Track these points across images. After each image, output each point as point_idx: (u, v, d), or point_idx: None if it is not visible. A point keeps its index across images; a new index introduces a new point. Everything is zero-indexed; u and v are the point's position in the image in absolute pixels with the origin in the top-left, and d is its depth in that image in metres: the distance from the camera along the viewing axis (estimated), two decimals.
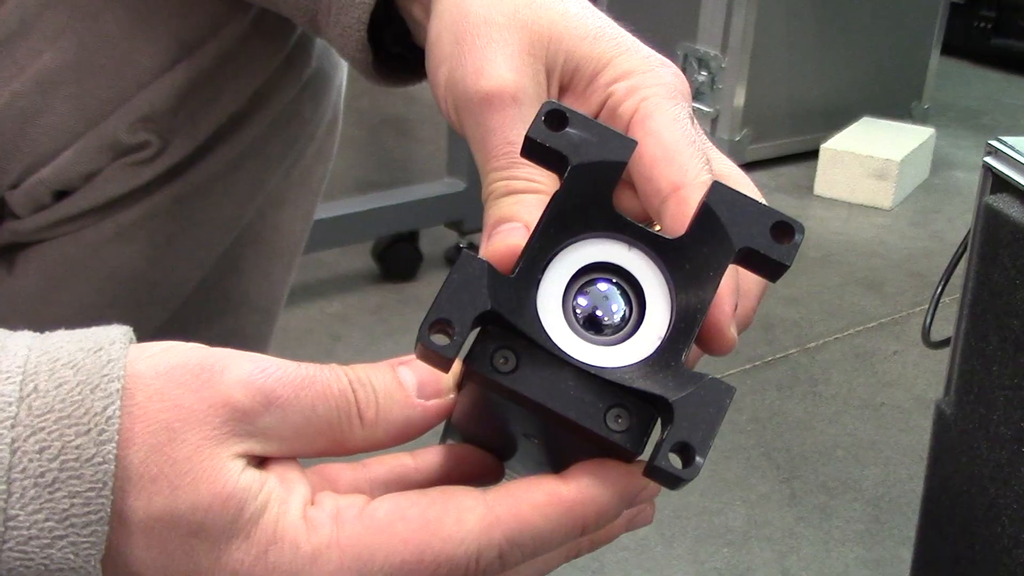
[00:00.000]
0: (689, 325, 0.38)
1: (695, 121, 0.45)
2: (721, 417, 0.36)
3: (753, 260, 0.38)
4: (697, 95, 2.84)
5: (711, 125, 2.83)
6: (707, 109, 2.84)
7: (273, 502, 0.37)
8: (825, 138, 2.85)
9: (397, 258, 2.14)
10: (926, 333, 1.12)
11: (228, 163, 0.68)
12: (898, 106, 3.15)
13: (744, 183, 0.46)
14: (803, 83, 2.96)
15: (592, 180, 0.38)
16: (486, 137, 0.45)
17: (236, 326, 0.75)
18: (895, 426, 1.82)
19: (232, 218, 0.71)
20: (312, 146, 0.73)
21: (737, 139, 2.83)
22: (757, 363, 1.97)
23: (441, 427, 0.45)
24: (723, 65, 2.81)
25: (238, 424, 0.37)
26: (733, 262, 0.38)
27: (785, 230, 0.38)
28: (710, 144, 0.46)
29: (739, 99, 2.83)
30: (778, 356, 2.00)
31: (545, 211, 0.39)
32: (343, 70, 0.74)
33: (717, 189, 0.39)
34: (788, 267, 0.38)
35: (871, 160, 2.76)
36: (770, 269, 0.39)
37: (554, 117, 0.38)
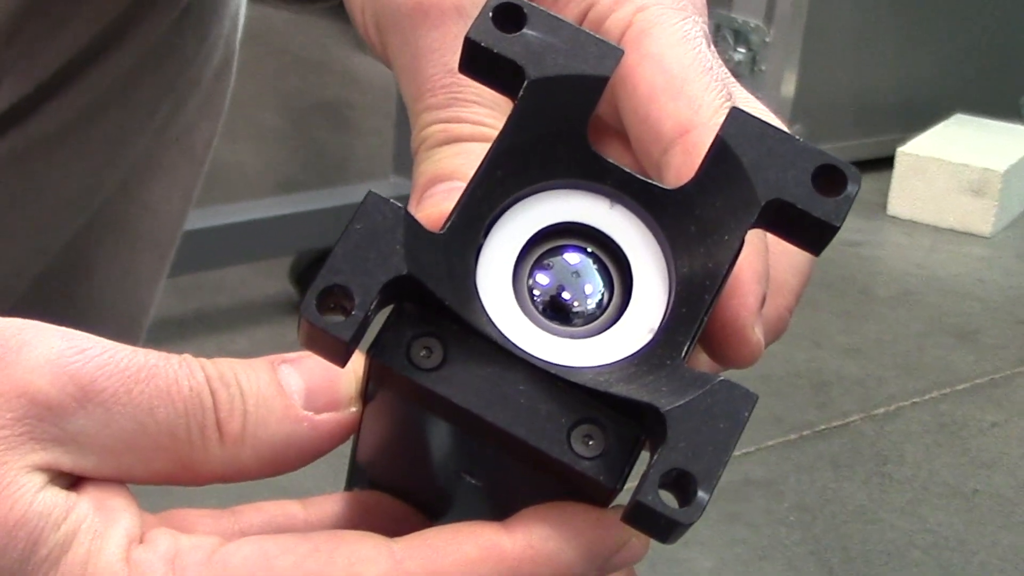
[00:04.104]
0: (694, 310, 0.37)
1: (711, 43, 0.45)
2: (736, 436, 0.35)
3: (787, 220, 0.37)
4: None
5: None
6: None
7: (83, 535, 0.36)
8: (903, 141, 2.88)
9: None
10: None
11: (79, 113, 0.68)
12: (1001, 101, 3.18)
13: None
14: (875, 67, 2.99)
15: (559, 103, 0.37)
16: (418, 63, 0.44)
17: None
18: (993, 521, 1.83)
19: (84, 189, 0.70)
20: (195, 95, 0.73)
21: None
22: (806, 432, 1.97)
23: (361, 471, 0.44)
24: (767, 39, 2.83)
25: (39, 423, 0.36)
26: (758, 223, 0.38)
27: (833, 177, 0.37)
28: (731, 77, 0.45)
29: (788, 86, 2.85)
30: (835, 424, 2.00)
31: (491, 146, 0.38)
32: None
33: (737, 119, 0.38)
34: (836, 229, 0.37)
35: (965, 170, 2.78)
36: (811, 233, 0.38)
37: (506, 12, 0.37)
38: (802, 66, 2.86)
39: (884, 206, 2.85)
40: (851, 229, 2.73)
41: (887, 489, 1.87)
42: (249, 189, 2.45)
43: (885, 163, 2.89)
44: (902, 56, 3.02)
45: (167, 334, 1.93)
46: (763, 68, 2.86)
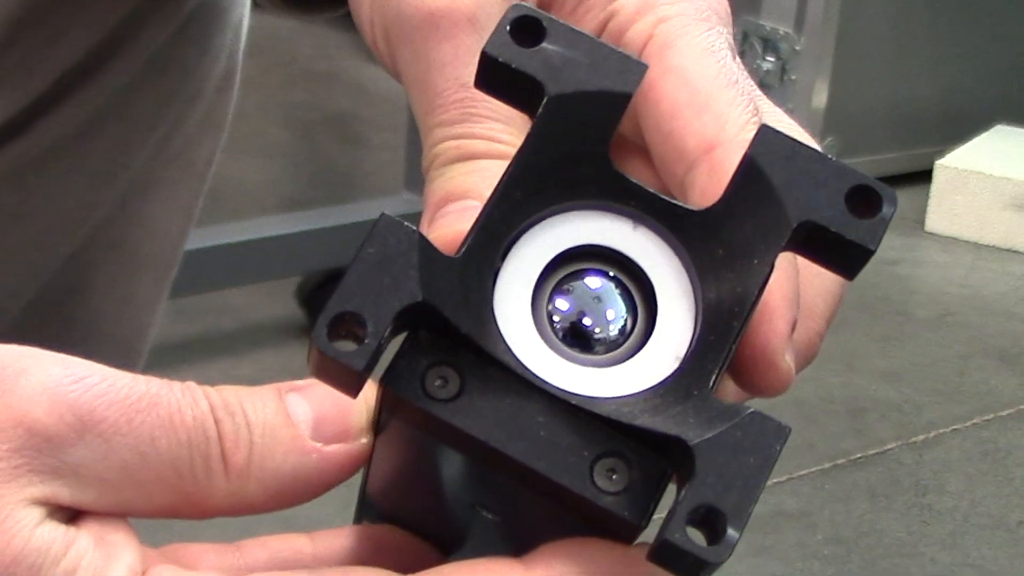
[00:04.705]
0: (722, 337, 0.37)
1: (737, 55, 0.45)
2: (767, 472, 0.35)
3: (819, 243, 0.38)
4: (760, 88, 2.87)
5: None
6: None
7: (83, 572, 0.36)
8: (942, 153, 2.87)
9: None
10: None
11: (76, 127, 0.68)
12: None
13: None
14: (911, 76, 2.98)
15: (580, 120, 0.38)
16: (430, 76, 0.44)
17: None
18: None
19: (81, 207, 0.71)
20: (197, 108, 0.73)
21: None
22: (840, 461, 1.97)
23: (367, 503, 0.44)
24: (797, 48, 2.83)
25: (37, 455, 0.36)
26: (788, 246, 0.38)
27: (868, 198, 0.37)
28: (758, 91, 0.45)
29: (820, 96, 2.85)
30: (871, 452, 2.00)
31: (509, 166, 0.38)
32: (243, 4, 0.74)
33: (767, 136, 0.38)
34: (872, 253, 0.37)
35: (1007, 184, 2.78)
36: (845, 257, 0.38)
37: (525, 26, 0.38)
38: (834, 75, 2.86)
39: (922, 222, 2.84)
40: (887, 247, 2.73)
41: (927, 521, 1.87)
42: (254, 206, 2.45)
43: (923, 177, 2.88)
44: (940, 64, 3.01)
45: (168, 358, 1.93)
46: (793, 77, 2.86)
